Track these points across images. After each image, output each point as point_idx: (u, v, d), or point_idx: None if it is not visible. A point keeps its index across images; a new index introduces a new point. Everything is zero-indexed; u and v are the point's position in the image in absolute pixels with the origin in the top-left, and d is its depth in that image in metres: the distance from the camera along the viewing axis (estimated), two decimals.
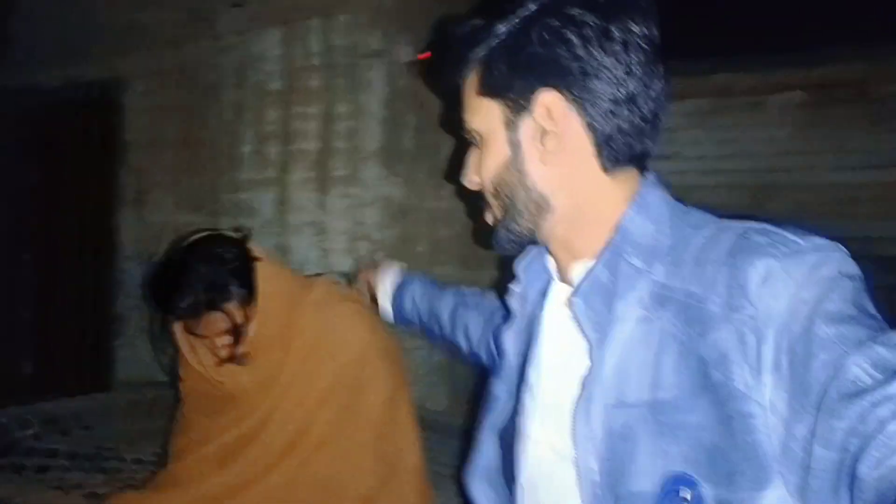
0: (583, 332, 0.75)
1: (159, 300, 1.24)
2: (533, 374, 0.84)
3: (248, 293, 1.26)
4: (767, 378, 0.62)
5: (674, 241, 0.73)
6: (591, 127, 0.75)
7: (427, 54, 2.66)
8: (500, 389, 0.91)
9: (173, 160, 2.76)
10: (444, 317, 1.28)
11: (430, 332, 1.32)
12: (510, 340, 0.90)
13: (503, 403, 0.90)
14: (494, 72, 0.77)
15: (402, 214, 2.57)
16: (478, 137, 0.81)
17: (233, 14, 2.66)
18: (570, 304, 0.76)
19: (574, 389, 0.74)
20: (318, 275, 1.53)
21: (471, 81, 0.80)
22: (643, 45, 0.74)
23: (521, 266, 0.89)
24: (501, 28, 0.76)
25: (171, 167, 2.76)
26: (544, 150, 0.76)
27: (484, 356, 1.19)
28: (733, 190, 2.90)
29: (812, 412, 0.58)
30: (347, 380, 1.29)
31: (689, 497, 0.65)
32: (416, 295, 1.34)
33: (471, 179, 0.84)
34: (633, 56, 0.73)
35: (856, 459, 0.54)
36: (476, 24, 0.79)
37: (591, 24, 0.73)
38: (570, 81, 0.74)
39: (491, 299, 1.24)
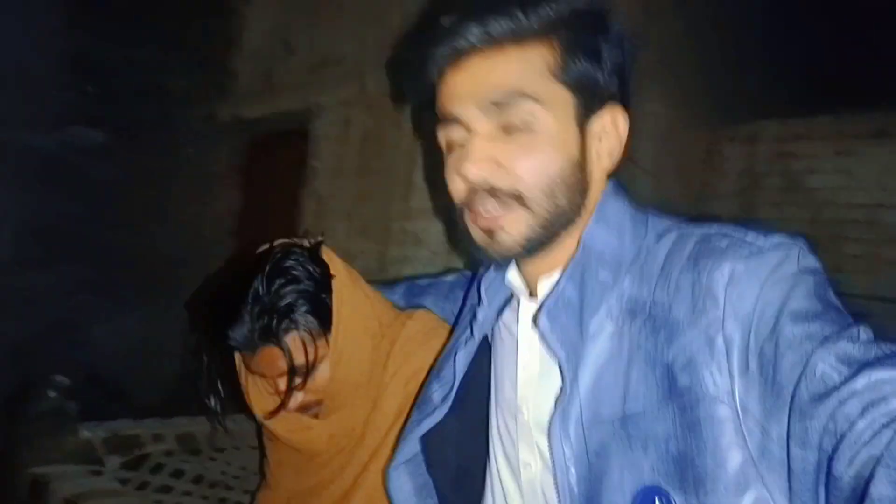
0: (550, 350, 0.72)
1: (206, 326, 0.99)
2: (510, 394, 0.80)
3: (321, 323, 0.97)
4: (738, 380, 0.61)
5: (637, 250, 0.73)
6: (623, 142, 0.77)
7: None
8: (437, 394, 0.87)
9: (351, 187, 2.75)
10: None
11: None
12: (462, 356, 0.86)
13: (434, 407, 0.86)
14: (579, 61, 0.71)
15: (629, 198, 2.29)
16: (518, 125, 0.71)
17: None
18: (536, 322, 0.73)
19: (551, 408, 0.72)
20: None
21: (533, 56, 0.71)
22: None
23: (484, 288, 0.85)
24: (588, 16, 0.73)
25: (348, 194, 2.75)
26: (602, 158, 0.75)
27: None
28: None
29: (786, 412, 0.57)
30: None
31: None
32: None
33: (478, 171, 0.71)
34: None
35: (831, 459, 0.53)
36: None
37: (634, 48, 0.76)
38: (628, 99, 0.76)
39: (445, 280, 1.20)
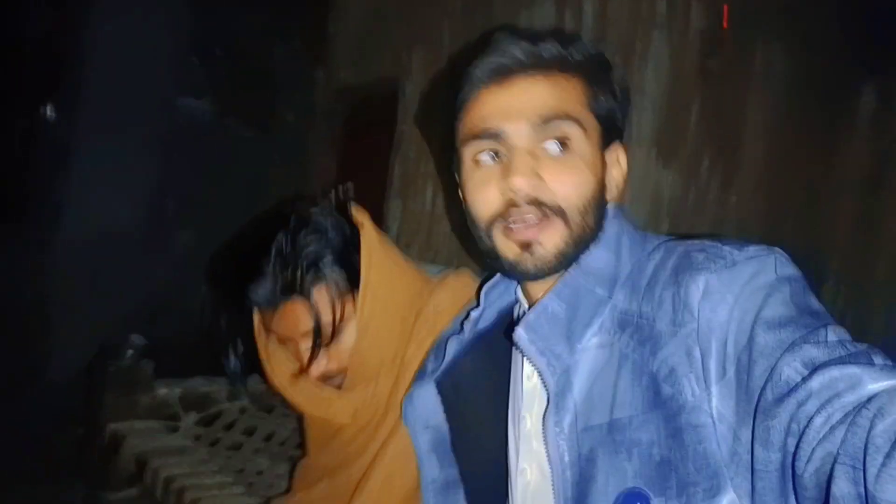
0: (529, 360, 0.75)
1: (226, 284, 0.94)
2: (518, 402, 0.83)
3: (349, 280, 0.91)
4: (714, 388, 0.65)
5: (632, 268, 0.77)
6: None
7: (725, 23, 2.19)
8: (430, 365, 0.90)
9: (438, 151, 2.71)
10: None
11: None
12: (453, 344, 0.89)
13: (423, 375, 0.90)
14: (604, 95, 0.79)
15: (676, 214, 2.13)
16: (560, 145, 0.76)
17: None
18: (513, 334, 0.75)
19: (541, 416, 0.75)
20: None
21: (569, 85, 0.78)
22: None
23: (484, 292, 0.89)
24: (604, 60, 0.82)
25: (435, 158, 2.71)
26: (611, 188, 0.81)
27: None
28: None
29: (753, 416, 0.61)
30: None
31: None
32: None
33: (527, 184, 0.75)
34: None
35: (794, 458, 0.56)
36: (580, 40, 0.81)
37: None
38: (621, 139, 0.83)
39: None
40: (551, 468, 0.73)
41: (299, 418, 1.15)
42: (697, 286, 0.67)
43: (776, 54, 2.33)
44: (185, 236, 3.23)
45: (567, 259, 0.76)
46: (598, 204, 0.78)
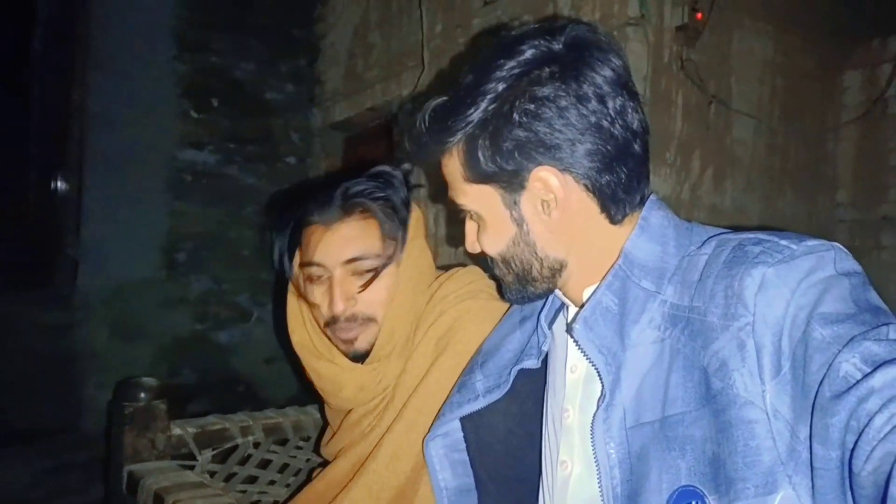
0: (587, 356, 0.75)
1: (289, 201, 0.99)
2: (559, 396, 0.82)
3: (400, 234, 0.97)
4: (769, 384, 0.62)
5: (679, 260, 0.75)
6: (591, 188, 0.75)
7: (700, 15, 2.21)
8: (480, 384, 0.90)
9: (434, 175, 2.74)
10: None
11: None
12: (513, 342, 0.90)
13: (477, 395, 0.89)
14: (480, 158, 0.75)
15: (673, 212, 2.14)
16: (475, 215, 0.80)
17: (484, 11, 2.54)
18: (571, 330, 0.76)
19: (591, 412, 0.74)
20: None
21: (453, 167, 0.78)
22: (615, 89, 0.73)
23: (550, 298, 0.89)
24: (474, 114, 0.74)
25: (431, 182, 2.74)
26: (550, 220, 0.76)
27: None
28: None
29: (811, 412, 0.59)
30: None
31: None
32: None
33: (473, 248, 0.83)
34: (609, 105, 0.72)
35: (851, 456, 0.54)
36: (447, 111, 0.77)
37: (564, 94, 0.71)
38: (558, 154, 0.73)
39: None
40: (598, 466, 0.72)
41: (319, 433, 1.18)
42: (753, 279, 0.65)
43: (756, 35, 2.35)
44: (198, 281, 3.29)
45: (524, 294, 0.82)
46: (527, 251, 0.78)
